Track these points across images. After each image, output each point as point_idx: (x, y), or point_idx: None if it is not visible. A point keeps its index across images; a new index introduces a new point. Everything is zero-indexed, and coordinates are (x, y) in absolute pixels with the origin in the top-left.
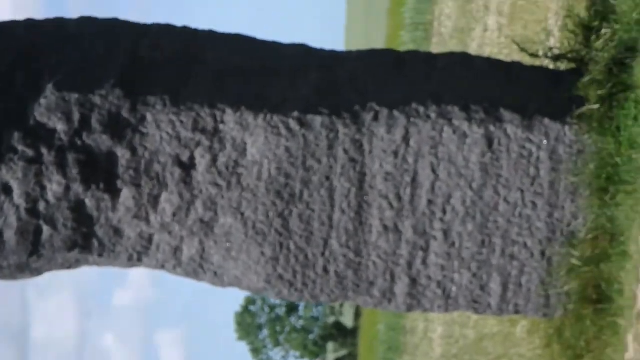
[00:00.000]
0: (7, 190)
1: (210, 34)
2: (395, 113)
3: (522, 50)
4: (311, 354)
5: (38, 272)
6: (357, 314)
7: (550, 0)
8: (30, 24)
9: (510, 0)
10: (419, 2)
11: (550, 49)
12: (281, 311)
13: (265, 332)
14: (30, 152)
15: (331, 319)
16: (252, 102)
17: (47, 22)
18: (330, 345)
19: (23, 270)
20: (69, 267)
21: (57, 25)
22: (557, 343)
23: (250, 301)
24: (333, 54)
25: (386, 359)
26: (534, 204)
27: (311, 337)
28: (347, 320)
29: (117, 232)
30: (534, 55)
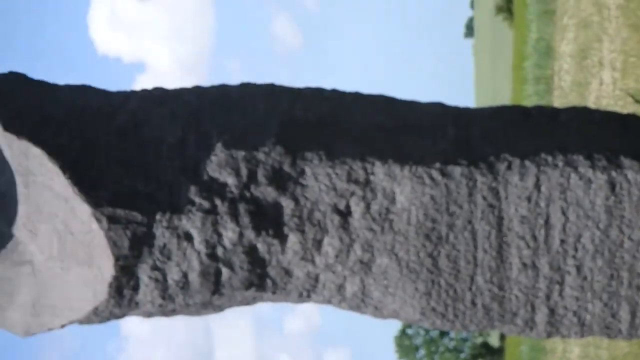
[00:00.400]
0: (189, 237)
1: (356, 95)
2: (527, 163)
3: (637, 101)
4: None
5: (220, 308)
6: (502, 335)
7: None
8: (198, 90)
9: (622, 57)
10: (540, 58)
11: None
12: (435, 333)
13: (422, 352)
14: (206, 204)
15: (479, 340)
16: (397, 156)
17: (213, 88)
18: None
19: (207, 307)
20: (247, 303)
21: (222, 90)
22: None
23: (407, 325)
24: (466, 111)
25: None
26: None
27: (462, 356)
28: (494, 341)
29: (287, 272)
30: None
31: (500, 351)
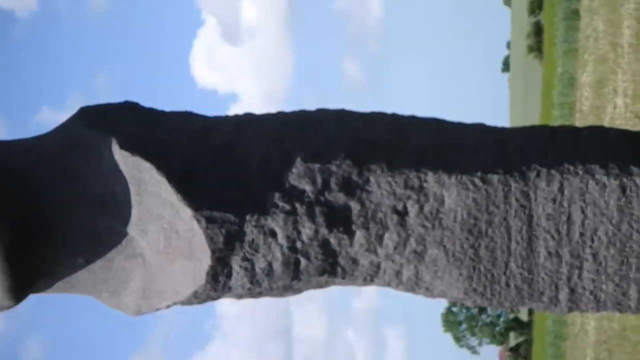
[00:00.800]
0: (273, 234)
1: (411, 118)
2: (552, 171)
3: None
4: (498, 341)
5: (299, 291)
6: (531, 311)
7: None
8: (281, 115)
9: (632, 85)
10: (564, 88)
11: None
12: (474, 311)
13: (464, 326)
14: (287, 207)
15: (511, 315)
16: (446, 166)
17: (293, 113)
18: (512, 335)
19: (287, 290)
20: (321, 287)
21: (300, 115)
22: None
23: (452, 304)
24: (503, 129)
25: (553, 344)
26: None
27: (497, 329)
28: (523, 316)
29: (354, 261)
30: None
31: (529, 325)
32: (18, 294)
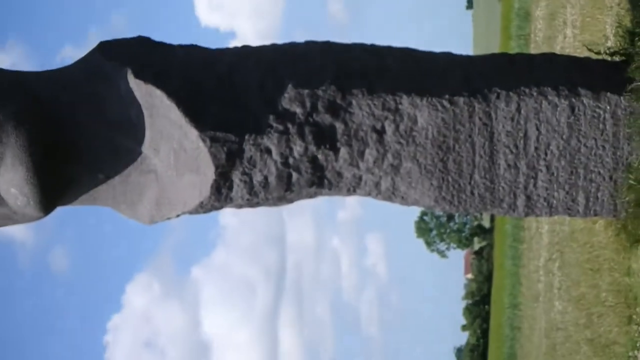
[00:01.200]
0: (268, 151)
1: (388, 48)
2: (511, 93)
3: (590, 50)
4: (464, 245)
5: (291, 201)
6: (492, 217)
7: (607, 16)
8: (274, 46)
9: (580, 17)
10: (520, 21)
11: (609, 48)
12: (443, 219)
13: (434, 232)
14: (280, 127)
15: (475, 222)
16: (418, 90)
17: (284, 45)
18: (476, 239)
19: (281, 200)
20: (310, 197)
21: (291, 46)
22: (623, 233)
23: (424, 213)
24: (468, 57)
25: (512, 247)
26: (604, 147)
27: (463, 234)
28: (486, 223)
29: (339, 174)
30: (598, 53)
31: (491, 230)
32: (47, 206)
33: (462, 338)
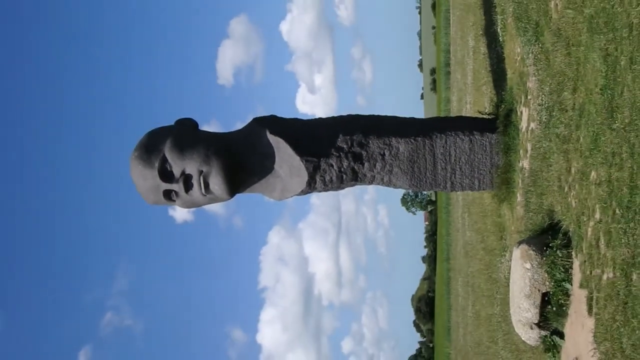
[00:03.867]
0: (331, 165)
1: (385, 116)
2: (442, 134)
3: (479, 112)
4: (424, 208)
5: (343, 188)
6: (436, 194)
7: (485, 97)
8: (333, 117)
9: (472, 99)
10: (445, 103)
11: (487, 112)
12: (414, 195)
13: (409, 203)
14: (336, 154)
15: (428, 197)
16: (400, 135)
17: (337, 116)
18: (429, 206)
19: (338, 188)
20: (352, 186)
21: (340, 117)
22: (496, 197)
23: (404, 193)
24: (420, 119)
25: (445, 207)
26: (486, 158)
27: (423, 203)
28: (433, 197)
29: (364, 175)
30: (482, 114)
31: (435, 201)
32: (231, 194)
33: (424, 251)
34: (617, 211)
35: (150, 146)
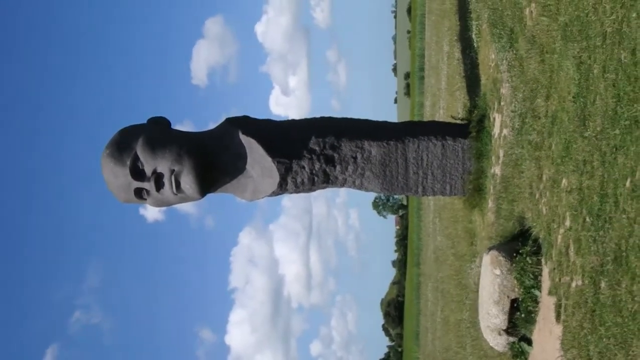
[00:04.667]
0: (303, 167)
1: (359, 119)
2: (414, 139)
3: (452, 117)
4: (395, 212)
5: (313, 191)
6: (407, 199)
7: (459, 102)
8: (307, 119)
9: (446, 104)
10: (418, 108)
11: (460, 117)
12: (385, 198)
13: (380, 206)
14: (309, 156)
15: (400, 201)
16: (373, 138)
17: (311, 118)
18: (400, 210)
19: (309, 190)
20: (323, 189)
21: (314, 119)
22: (467, 203)
23: (375, 196)
24: (394, 123)
25: (417, 212)
26: (458, 163)
27: (394, 207)
28: (404, 201)
29: (336, 177)
30: (455, 119)
31: (407, 206)
32: (202, 194)
33: (394, 255)
34: (587, 219)
35: (122, 144)
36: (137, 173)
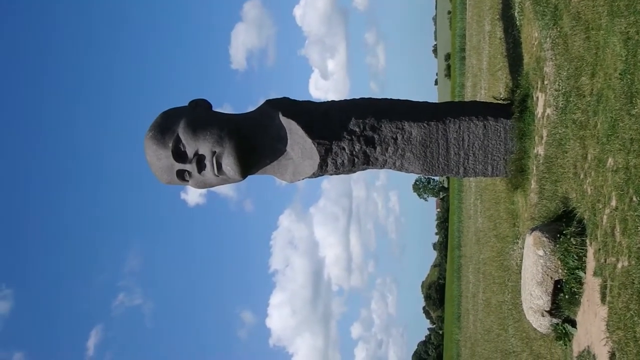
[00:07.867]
0: (343, 149)
1: (397, 100)
2: (455, 119)
3: (494, 98)
4: (436, 194)
5: (354, 172)
6: (448, 180)
7: (500, 82)
8: (346, 100)
9: (487, 84)
10: (459, 89)
11: (502, 98)
12: (426, 181)
13: (421, 189)
14: (349, 137)
15: (441, 184)
16: (413, 119)
17: (351, 99)
18: (441, 192)
19: (350, 172)
20: (363, 170)
21: (353, 100)
22: (510, 184)
23: (416, 179)
24: (434, 103)
25: (457, 194)
26: (500, 144)
27: (435, 189)
28: (445, 184)
29: (377, 159)
30: (497, 99)
31: (448, 188)
32: (243, 175)
33: (435, 238)
34: (634, 198)
35: (165, 126)
36: (179, 155)
